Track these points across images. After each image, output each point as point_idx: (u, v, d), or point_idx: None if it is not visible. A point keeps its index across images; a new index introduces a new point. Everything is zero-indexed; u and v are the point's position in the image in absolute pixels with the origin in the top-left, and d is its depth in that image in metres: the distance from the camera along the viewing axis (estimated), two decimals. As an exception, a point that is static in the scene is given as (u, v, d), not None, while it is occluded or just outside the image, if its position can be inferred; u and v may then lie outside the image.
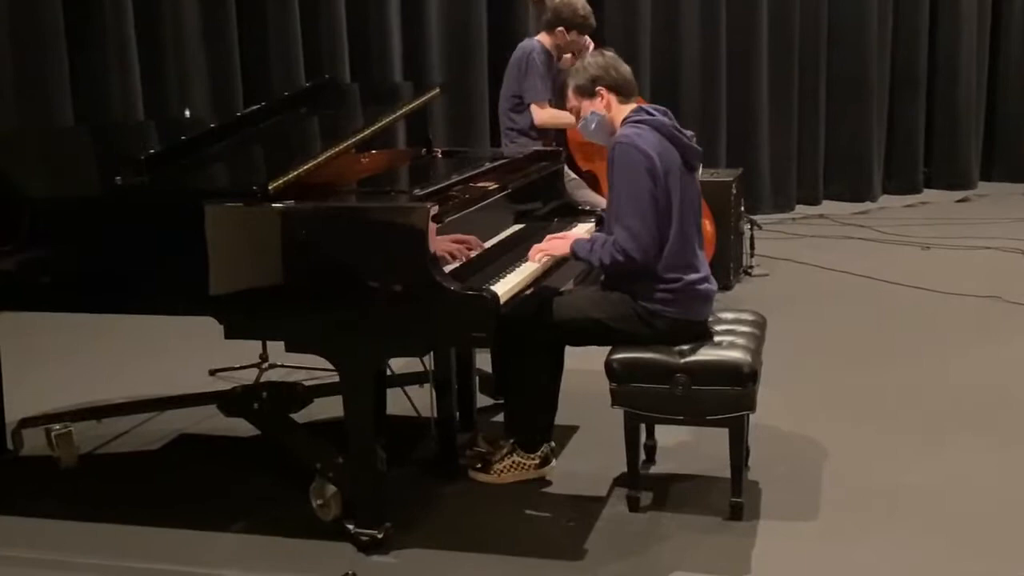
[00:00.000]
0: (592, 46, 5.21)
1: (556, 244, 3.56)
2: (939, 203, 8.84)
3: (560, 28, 5.18)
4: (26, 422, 3.92)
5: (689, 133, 3.52)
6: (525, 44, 5.23)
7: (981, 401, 4.33)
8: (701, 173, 6.21)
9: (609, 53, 3.62)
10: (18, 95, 6.13)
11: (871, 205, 8.79)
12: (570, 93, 3.59)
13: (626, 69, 3.58)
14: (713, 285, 3.51)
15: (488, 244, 3.58)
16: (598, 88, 3.51)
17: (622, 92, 3.53)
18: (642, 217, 3.32)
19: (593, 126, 3.56)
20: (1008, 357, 4.88)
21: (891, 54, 9.01)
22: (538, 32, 5.34)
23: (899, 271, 6.38)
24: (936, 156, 9.37)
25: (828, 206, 8.73)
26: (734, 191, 6.15)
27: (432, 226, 3.04)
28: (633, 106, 3.52)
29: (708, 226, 5.87)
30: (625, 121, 3.47)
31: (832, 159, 8.91)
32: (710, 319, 3.55)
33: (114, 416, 4.12)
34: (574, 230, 3.91)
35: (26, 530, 3.44)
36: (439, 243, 3.19)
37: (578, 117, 3.60)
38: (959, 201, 8.93)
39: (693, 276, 3.42)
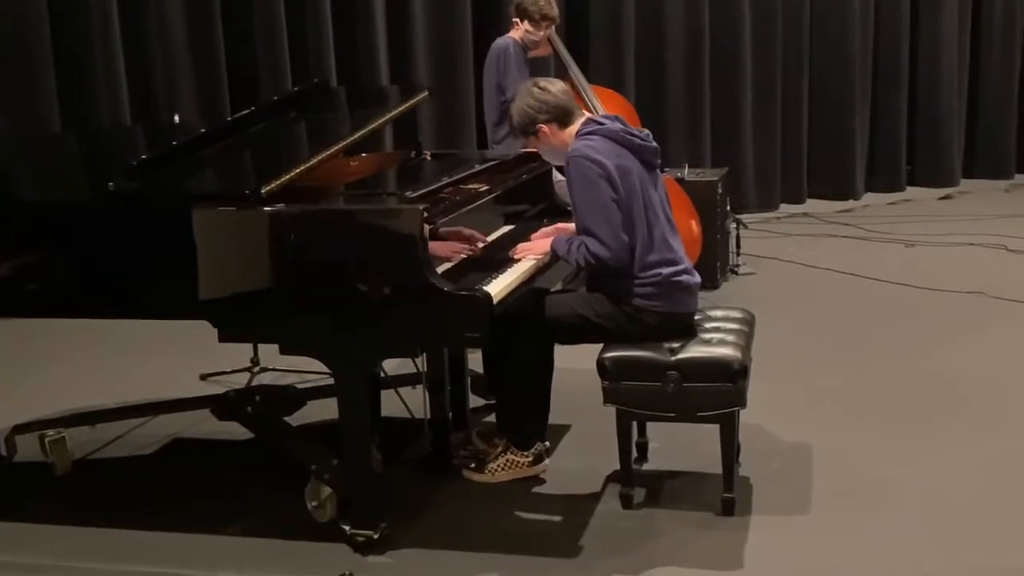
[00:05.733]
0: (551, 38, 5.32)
1: (539, 243, 3.61)
2: (922, 200, 8.89)
3: (515, 19, 5.25)
4: (19, 428, 3.93)
5: (644, 133, 3.54)
6: (499, 42, 5.26)
7: (967, 394, 4.38)
8: (687, 173, 6.32)
9: (537, 88, 3.54)
10: (5, 101, 6.12)
11: (855, 203, 8.83)
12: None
13: (555, 93, 3.51)
14: (694, 276, 3.54)
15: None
16: (537, 127, 3.52)
17: (560, 119, 3.51)
18: (608, 223, 3.37)
19: (550, 157, 3.64)
20: (992, 351, 4.93)
21: (873, 53, 9.05)
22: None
23: (884, 268, 6.43)
24: (919, 154, 9.41)
25: (812, 204, 8.77)
26: (720, 190, 6.18)
27: (425, 229, 3.06)
28: (582, 120, 3.54)
29: (694, 226, 5.90)
30: (578, 135, 3.50)
31: (816, 158, 8.96)
32: (698, 316, 3.59)
33: (108, 421, 4.12)
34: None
35: (21, 536, 3.44)
36: (441, 248, 3.24)
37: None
38: (942, 198, 8.99)
39: (671, 269, 3.45)
